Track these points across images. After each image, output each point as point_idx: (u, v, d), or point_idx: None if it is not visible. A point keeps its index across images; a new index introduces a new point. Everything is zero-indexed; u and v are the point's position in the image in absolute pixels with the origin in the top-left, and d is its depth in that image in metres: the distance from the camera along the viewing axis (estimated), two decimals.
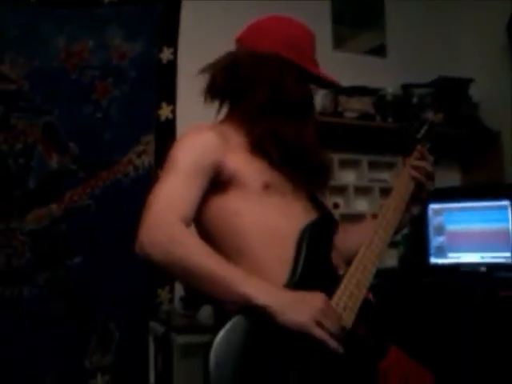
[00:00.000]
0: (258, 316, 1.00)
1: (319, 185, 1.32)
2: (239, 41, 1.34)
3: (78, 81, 2.47)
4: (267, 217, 1.17)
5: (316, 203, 1.30)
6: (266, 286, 1.03)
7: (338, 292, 1.09)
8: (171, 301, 2.45)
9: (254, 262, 1.13)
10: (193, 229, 1.21)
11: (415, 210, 1.36)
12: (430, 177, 1.35)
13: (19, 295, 2.28)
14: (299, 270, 1.12)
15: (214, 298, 1.07)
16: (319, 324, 0.99)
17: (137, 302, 2.42)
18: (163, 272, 1.07)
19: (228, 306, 1.10)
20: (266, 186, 1.18)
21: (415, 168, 1.35)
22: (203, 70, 1.29)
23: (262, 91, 1.22)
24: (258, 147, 1.22)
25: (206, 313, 2.08)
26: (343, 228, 1.35)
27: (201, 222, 1.22)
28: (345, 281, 1.12)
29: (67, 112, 2.43)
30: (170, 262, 1.03)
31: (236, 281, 1.02)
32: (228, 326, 0.99)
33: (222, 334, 0.97)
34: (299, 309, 1.00)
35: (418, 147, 1.39)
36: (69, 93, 2.44)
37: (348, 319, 1.08)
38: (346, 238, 1.32)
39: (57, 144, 2.40)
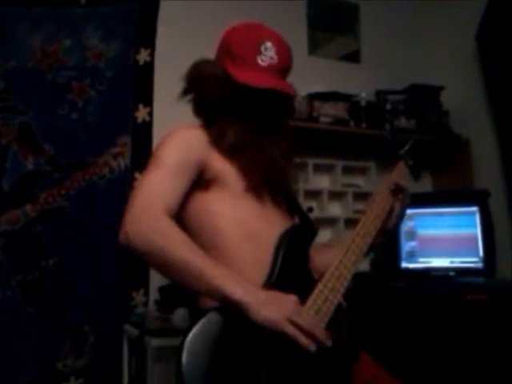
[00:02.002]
0: (230, 314, 1.03)
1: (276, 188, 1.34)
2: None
3: (53, 81, 2.48)
4: (247, 220, 1.24)
5: (295, 209, 1.37)
6: (243, 283, 1.06)
7: (313, 296, 1.13)
8: (146, 304, 2.48)
9: (231, 262, 1.18)
10: None
11: (390, 225, 1.40)
12: (406, 194, 1.40)
13: None
14: (276, 273, 1.17)
15: (191, 290, 1.11)
16: (291, 322, 1.02)
17: (111, 304, 2.44)
18: (145, 262, 1.12)
19: (204, 303, 1.17)
20: (248, 190, 1.25)
21: (395, 183, 1.40)
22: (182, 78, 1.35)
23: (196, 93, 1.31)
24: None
25: (180, 316, 2.11)
26: (319, 248, 1.40)
27: (182, 218, 1.26)
28: (320, 286, 1.15)
29: (43, 112, 2.44)
30: (152, 252, 1.08)
31: (215, 274, 1.06)
32: (200, 323, 1.02)
33: (194, 330, 1.02)
34: (272, 307, 1.03)
35: (400, 163, 1.46)
36: (44, 93, 2.45)
37: (321, 322, 1.12)
38: (322, 255, 1.38)
39: (32, 145, 2.41)
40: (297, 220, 1.32)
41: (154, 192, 1.15)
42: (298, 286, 1.15)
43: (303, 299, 1.12)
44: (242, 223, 1.23)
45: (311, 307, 1.12)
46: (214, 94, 1.28)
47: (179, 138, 1.24)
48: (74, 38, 2.52)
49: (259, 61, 1.27)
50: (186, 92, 1.33)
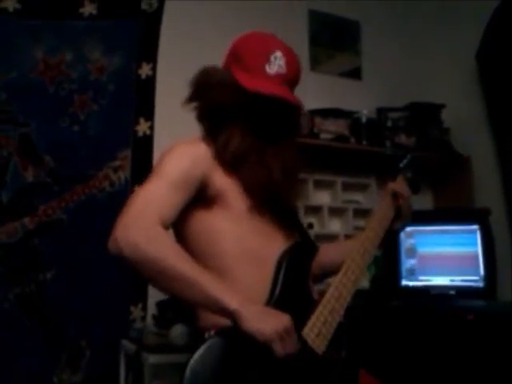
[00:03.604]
0: (233, 338, 1.04)
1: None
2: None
3: (55, 93, 2.52)
4: (248, 239, 1.25)
5: (296, 226, 1.38)
6: (237, 294, 1.08)
7: (313, 318, 1.14)
8: (144, 318, 2.49)
9: (231, 281, 1.19)
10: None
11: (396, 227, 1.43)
12: (407, 207, 1.43)
13: None
14: (276, 293, 1.18)
15: (184, 301, 1.12)
16: (280, 338, 1.04)
17: (109, 319, 2.45)
18: (136, 272, 1.11)
19: (203, 321, 1.19)
20: (250, 209, 1.26)
21: (395, 197, 1.43)
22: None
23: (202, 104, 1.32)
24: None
25: (178, 332, 2.13)
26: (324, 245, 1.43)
27: (182, 235, 1.29)
28: (320, 307, 1.16)
29: (44, 124, 2.48)
30: (143, 262, 1.08)
31: (209, 285, 1.07)
32: (204, 347, 1.03)
33: (197, 355, 1.03)
34: (266, 320, 1.04)
35: (400, 176, 1.50)
36: (46, 105, 2.49)
37: (321, 345, 1.13)
38: (325, 253, 1.41)
39: (33, 156, 2.44)
40: (297, 238, 1.33)
41: (150, 201, 1.15)
42: (298, 306, 1.17)
43: (303, 320, 1.13)
44: (243, 242, 1.24)
45: (311, 330, 1.13)
46: (220, 101, 1.29)
47: (183, 152, 1.26)
48: (76, 51, 2.56)
49: (268, 69, 1.28)
50: (192, 98, 1.33)
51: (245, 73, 1.28)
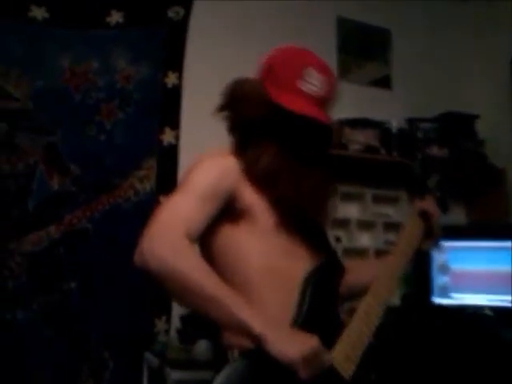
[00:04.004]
0: (258, 360, 1.02)
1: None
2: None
3: (82, 102, 2.54)
4: (274, 257, 1.21)
5: (323, 244, 1.33)
6: (261, 316, 1.05)
7: (340, 342, 1.11)
8: (167, 332, 2.46)
9: (256, 300, 1.16)
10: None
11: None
12: (437, 227, 1.41)
13: (13, 319, 2.30)
14: (302, 315, 1.15)
15: (207, 319, 1.09)
16: (306, 361, 1.00)
17: (133, 331, 2.44)
18: (158, 284, 1.08)
19: (227, 338, 1.15)
20: (277, 226, 1.22)
21: (424, 216, 1.40)
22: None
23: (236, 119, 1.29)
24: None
25: (202, 348, 2.10)
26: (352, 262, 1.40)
27: (207, 249, 1.25)
28: (347, 330, 1.14)
29: (71, 133, 2.49)
30: (168, 276, 1.05)
31: (234, 305, 1.04)
32: (229, 368, 1.02)
33: (222, 376, 1.01)
34: (291, 343, 1.01)
35: (428, 195, 1.46)
36: (73, 113, 2.51)
37: (348, 369, 1.10)
38: (352, 272, 1.37)
39: (58, 165, 2.45)
40: (325, 257, 1.28)
41: (178, 214, 1.13)
42: (325, 329, 1.13)
43: (330, 343, 1.10)
44: (269, 259, 1.21)
45: (339, 353, 1.10)
46: (253, 115, 1.27)
47: (212, 165, 1.23)
48: (103, 59, 2.58)
49: (301, 86, 1.25)
50: (223, 108, 1.31)
51: (278, 87, 1.26)
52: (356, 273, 1.40)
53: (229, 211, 1.21)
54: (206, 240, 1.23)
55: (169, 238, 1.08)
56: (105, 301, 2.42)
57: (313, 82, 1.25)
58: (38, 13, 2.52)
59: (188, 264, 1.06)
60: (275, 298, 1.17)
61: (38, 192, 2.40)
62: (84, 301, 2.40)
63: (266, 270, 1.19)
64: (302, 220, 1.25)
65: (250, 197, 1.22)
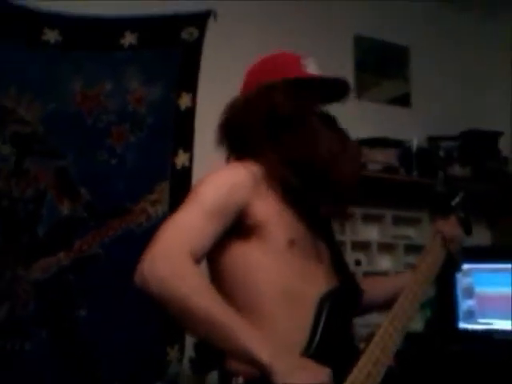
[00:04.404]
0: None
1: (343, 206, 1.28)
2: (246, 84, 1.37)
3: (93, 125, 2.50)
4: (288, 278, 1.15)
5: (340, 266, 1.27)
6: (269, 344, 0.99)
7: (355, 371, 1.06)
8: (180, 361, 2.40)
9: (266, 324, 1.09)
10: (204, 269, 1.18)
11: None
12: (459, 250, 1.37)
13: (20, 349, 2.25)
14: (316, 341, 1.09)
15: (214, 347, 1.03)
16: None
17: (145, 359, 2.37)
18: (160, 307, 1.02)
19: (231, 365, 1.08)
20: (291, 244, 1.16)
21: (447, 237, 1.35)
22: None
23: (256, 121, 1.22)
24: (275, 179, 1.19)
25: (216, 378, 2.02)
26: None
27: (215, 268, 1.19)
28: (363, 359, 1.08)
29: (81, 157, 2.45)
30: (169, 298, 1.00)
31: (240, 332, 0.98)
32: None
33: None
34: (300, 375, 0.95)
35: (452, 216, 1.41)
36: (84, 137, 2.47)
37: None
38: (369, 288, 1.32)
39: (69, 190, 2.42)
40: (342, 279, 1.22)
41: (182, 231, 1.07)
42: (340, 356, 1.08)
43: (345, 371, 1.05)
44: (282, 281, 1.14)
45: (355, 382, 1.05)
46: (288, 107, 1.21)
47: (221, 179, 1.17)
48: (115, 81, 2.54)
49: (304, 69, 1.27)
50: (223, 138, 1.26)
51: (293, 71, 1.26)
52: (372, 289, 1.35)
53: (239, 227, 1.15)
54: (213, 256, 1.17)
55: (171, 256, 1.02)
56: (115, 328, 2.35)
57: (314, 67, 1.27)
58: (51, 36, 2.51)
59: (191, 286, 1.00)
60: (287, 321, 1.11)
61: (48, 217, 2.36)
62: (94, 329, 2.33)
63: (278, 291, 1.13)
64: (318, 237, 1.18)
65: (263, 212, 1.15)
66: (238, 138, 1.26)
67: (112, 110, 2.53)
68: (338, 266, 1.26)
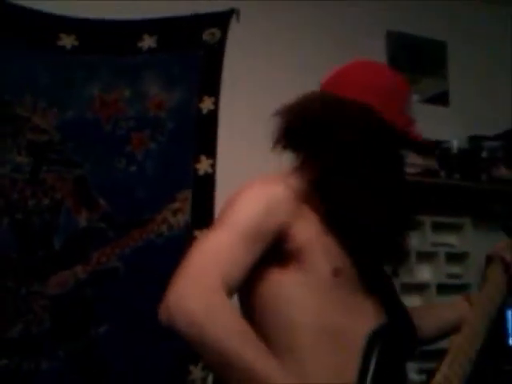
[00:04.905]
0: None
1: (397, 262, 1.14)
2: (322, 87, 1.17)
3: (112, 132, 2.43)
4: (331, 314, 0.99)
5: (391, 299, 1.11)
6: None
7: None
8: (204, 380, 2.27)
9: (304, 368, 0.94)
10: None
11: None
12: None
13: (36, 368, 2.17)
14: None
15: None
16: None
17: (166, 379, 2.26)
18: (191, 348, 0.88)
19: None
20: (337, 274, 0.99)
21: (508, 261, 1.24)
22: (277, 113, 1.11)
23: (347, 135, 1.05)
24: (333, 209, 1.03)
25: None
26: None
27: (245, 298, 1.05)
28: None
29: (99, 165, 2.39)
30: (200, 340, 0.85)
31: (276, 380, 0.84)
32: None
33: None
34: None
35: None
36: (102, 145, 2.41)
37: None
38: (424, 317, 1.21)
39: (87, 199, 2.35)
40: (392, 315, 1.06)
41: (215, 258, 0.93)
42: None
43: None
44: (324, 317, 0.98)
45: None
46: (353, 135, 1.05)
47: (260, 194, 1.00)
48: (133, 86, 2.48)
49: (407, 112, 1.14)
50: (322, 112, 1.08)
51: (397, 116, 1.10)
52: (419, 321, 1.18)
53: (275, 252, 0.99)
54: (244, 286, 1.00)
55: (201, 289, 0.88)
56: (136, 346, 2.25)
57: (411, 107, 1.15)
58: (68, 41, 2.45)
59: (223, 326, 0.86)
60: (330, 365, 0.95)
61: (65, 229, 2.29)
62: (114, 347, 2.24)
63: (319, 329, 0.98)
64: (367, 266, 1.04)
65: (305, 235, 0.99)
66: (323, 137, 1.08)
67: (131, 116, 2.46)
68: (390, 298, 1.09)
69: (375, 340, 0.97)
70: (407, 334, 1.07)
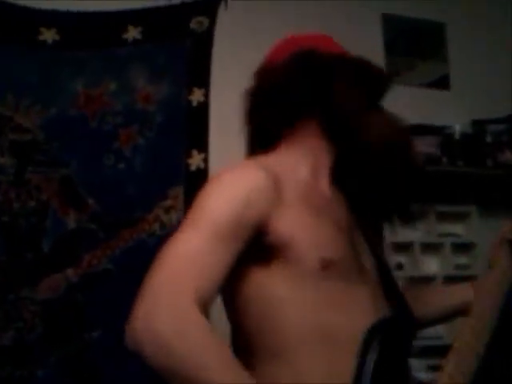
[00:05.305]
0: None
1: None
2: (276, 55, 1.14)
3: (98, 128, 2.36)
4: (321, 312, 0.90)
5: (389, 288, 1.02)
6: None
7: None
8: None
9: (294, 373, 0.86)
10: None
11: None
12: None
13: (29, 376, 2.10)
14: None
15: None
16: None
17: None
18: (159, 375, 0.81)
19: None
20: (326, 265, 0.90)
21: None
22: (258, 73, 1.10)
23: (347, 87, 1.02)
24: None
25: None
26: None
27: (228, 301, 0.97)
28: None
29: (86, 164, 2.31)
30: (169, 365, 0.78)
31: None
32: None
33: None
34: None
35: None
36: (88, 142, 2.33)
37: None
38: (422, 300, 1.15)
39: (74, 200, 2.28)
40: (391, 308, 0.98)
41: (186, 269, 0.83)
42: None
43: None
44: (313, 315, 0.90)
45: None
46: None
47: (234, 185, 0.92)
48: (119, 79, 2.40)
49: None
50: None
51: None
52: (418, 305, 1.11)
53: (256, 248, 0.90)
54: (225, 288, 0.92)
55: (172, 308, 0.79)
56: (131, 352, 2.17)
57: None
58: (49, 35, 2.37)
59: (198, 350, 0.77)
60: (324, 367, 0.88)
61: (53, 231, 2.21)
62: (108, 352, 2.16)
63: (309, 329, 0.90)
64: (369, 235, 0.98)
65: (288, 226, 0.90)
66: (272, 112, 1.03)
67: (118, 111, 2.38)
68: (387, 287, 1.01)
69: (373, 337, 0.89)
70: (408, 329, 0.99)
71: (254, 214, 0.89)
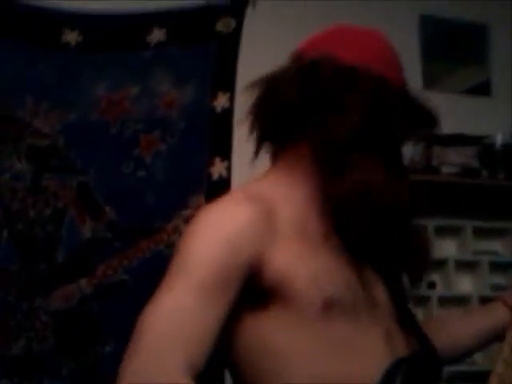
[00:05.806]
0: None
1: (416, 272, 0.94)
2: (304, 52, 0.98)
3: (118, 134, 2.33)
4: (326, 360, 0.80)
5: (407, 323, 0.91)
6: None
7: None
8: None
9: None
10: None
11: None
12: None
13: None
14: None
15: None
16: None
17: None
18: None
19: None
20: (329, 306, 0.80)
21: None
22: (255, 84, 0.94)
23: (355, 113, 0.86)
24: (339, 219, 0.85)
25: None
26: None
27: (225, 353, 0.87)
28: None
29: (105, 171, 2.29)
30: None
31: None
32: None
33: None
34: None
35: None
36: (108, 148, 2.31)
37: None
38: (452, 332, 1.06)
39: (91, 208, 2.26)
40: (412, 347, 0.87)
41: (172, 331, 0.75)
42: None
43: None
44: (319, 367, 0.80)
45: None
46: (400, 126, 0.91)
47: (216, 229, 0.82)
48: (142, 84, 2.36)
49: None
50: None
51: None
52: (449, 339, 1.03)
53: (251, 290, 0.81)
54: (222, 340, 0.83)
55: (156, 380, 0.71)
56: None
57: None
58: (72, 37, 2.35)
59: None
60: None
61: (68, 240, 2.19)
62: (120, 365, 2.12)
63: (311, 381, 0.80)
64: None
65: (283, 264, 0.81)
66: (263, 127, 0.93)
67: (139, 117, 2.35)
68: (406, 323, 0.91)
69: (390, 380, 0.79)
70: (431, 366, 0.88)
71: (245, 257, 0.80)
